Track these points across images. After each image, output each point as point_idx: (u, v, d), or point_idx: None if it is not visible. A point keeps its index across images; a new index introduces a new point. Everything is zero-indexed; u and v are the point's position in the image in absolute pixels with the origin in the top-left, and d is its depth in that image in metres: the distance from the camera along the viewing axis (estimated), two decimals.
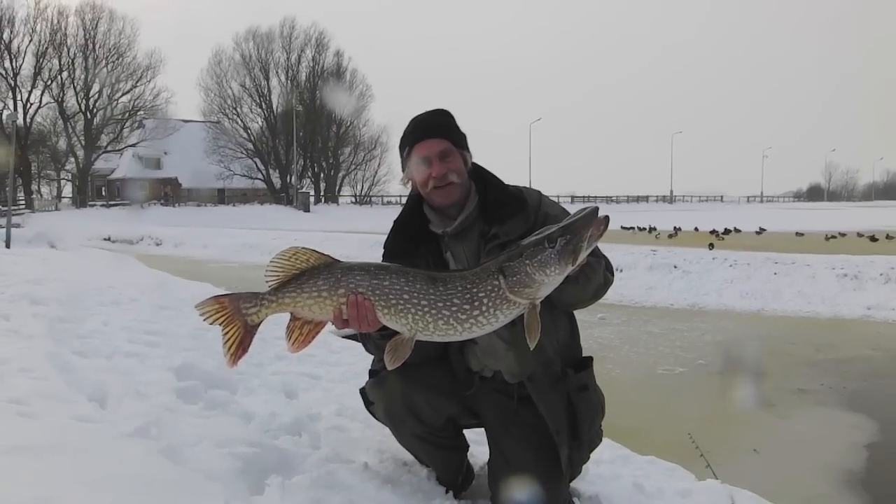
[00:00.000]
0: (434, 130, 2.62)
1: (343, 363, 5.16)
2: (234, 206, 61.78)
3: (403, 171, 2.72)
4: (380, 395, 2.78)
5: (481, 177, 2.72)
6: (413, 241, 2.69)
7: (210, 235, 32.10)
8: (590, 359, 2.84)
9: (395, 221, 2.78)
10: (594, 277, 2.49)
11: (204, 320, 2.34)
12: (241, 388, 3.97)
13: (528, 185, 2.82)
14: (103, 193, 70.27)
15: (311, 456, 2.91)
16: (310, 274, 2.31)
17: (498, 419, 2.75)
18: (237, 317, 2.33)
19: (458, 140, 2.66)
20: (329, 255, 2.34)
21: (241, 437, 2.91)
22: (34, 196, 62.50)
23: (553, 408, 2.64)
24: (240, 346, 2.34)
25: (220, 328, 2.34)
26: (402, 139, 2.68)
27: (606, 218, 2.20)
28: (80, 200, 62.58)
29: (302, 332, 2.35)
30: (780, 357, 10.52)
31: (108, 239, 33.95)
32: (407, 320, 2.29)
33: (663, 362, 9.96)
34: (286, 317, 2.39)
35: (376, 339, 2.49)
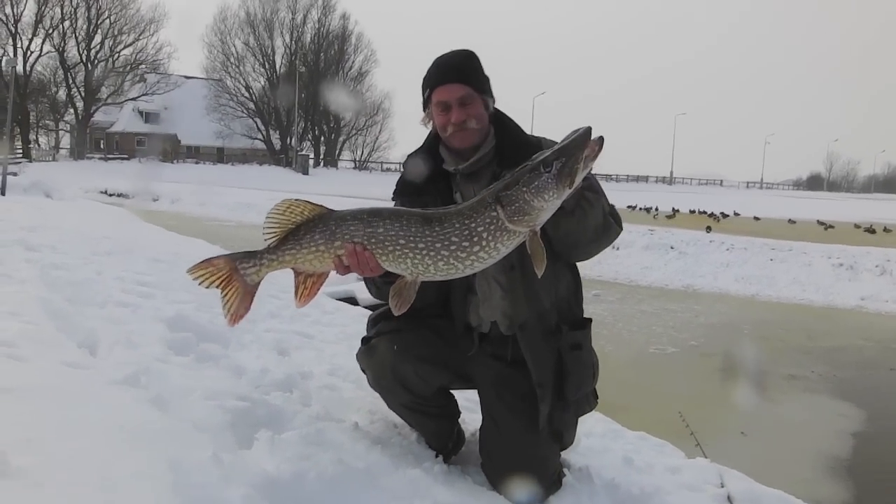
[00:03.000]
0: (456, 74, 2.54)
1: (336, 324, 5.14)
2: (232, 165, 61.45)
3: (424, 111, 2.65)
4: (369, 363, 2.75)
5: (502, 122, 2.66)
6: (424, 178, 2.63)
7: (208, 193, 31.92)
8: (588, 320, 2.77)
9: (408, 156, 2.72)
10: (592, 213, 2.41)
11: (199, 284, 2.26)
12: (234, 342, 3.94)
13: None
14: (101, 146, 69.84)
15: (301, 413, 2.89)
16: (306, 228, 2.26)
17: (492, 386, 2.71)
18: (235, 277, 2.27)
19: (481, 85, 2.59)
20: (323, 206, 2.29)
21: (232, 391, 2.88)
22: (32, 146, 62.06)
23: (540, 359, 2.58)
24: (240, 305, 2.28)
25: (219, 291, 2.28)
26: (424, 80, 2.61)
27: (601, 138, 2.12)
28: (78, 152, 62.27)
29: (306, 285, 2.31)
30: (773, 342, 10.55)
31: (105, 192, 33.78)
32: (406, 265, 2.24)
33: (656, 341, 9.99)
34: (282, 274, 2.35)
35: (380, 284, 2.45)
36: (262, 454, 2.36)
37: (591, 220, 2.43)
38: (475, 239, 2.19)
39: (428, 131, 2.72)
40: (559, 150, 2.12)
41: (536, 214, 2.14)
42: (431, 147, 2.68)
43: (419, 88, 2.64)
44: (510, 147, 2.58)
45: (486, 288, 2.64)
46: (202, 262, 2.27)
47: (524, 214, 2.14)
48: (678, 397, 7.10)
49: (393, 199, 2.73)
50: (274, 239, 2.28)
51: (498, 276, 2.58)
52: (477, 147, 2.59)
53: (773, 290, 14.94)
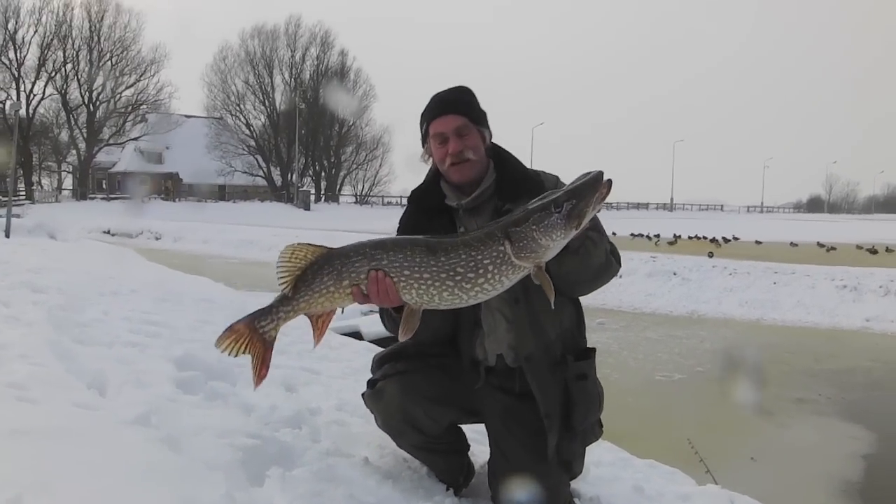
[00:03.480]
0: (452, 107, 2.60)
1: (342, 359, 5.15)
2: (234, 202, 61.74)
3: (423, 146, 2.71)
4: (377, 407, 2.77)
5: (500, 157, 2.70)
6: (427, 214, 2.68)
7: (210, 231, 32.08)
8: (592, 350, 2.79)
9: (412, 193, 2.77)
10: (595, 252, 2.45)
11: (229, 355, 2.31)
12: (242, 380, 3.94)
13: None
14: (104, 186, 70.19)
15: (311, 449, 2.89)
16: (313, 272, 2.30)
17: (500, 419, 2.72)
18: (255, 337, 2.32)
19: (477, 117, 2.64)
20: (323, 246, 2.34)
21: (242, 429, 2.89)
22: (35, 187, 62.38)
23: (547, 391, 2.60)
24: (262, 364, 2.33)
25: (249, 357, 2.33)
26: (422, 115, 2.67)
27: (609, 182, 2.18)
28: (81, 193, 62.56)
29: (317, 326, 2.35)
30: (779, 366, 10.53)
31: (108, 232, 33.90)
32: (411, 295, 2.27)
33: (662, 368, 9.97)
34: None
35: (394, 315, 2.46)
36: (274, 491, 2.37)
37: (595, 260, 2.46)
38: (480, 271, 2.22)
39: (427, 168, 2.77)
40: (570, 192, 2.16)
41: (543, 252, 2.19)
42: (432, 184, 2.72)
43: (417, 121, 2.69)
44: (510, 181, 2.62)
45: (492, 321, 2.66)
46: (225, 331, 2.31)
47: (531, 252, 2.18)
48: (686, 424, 7.08)
49: None
50: (287, 284, 2.32)
51: (503, 309, 2.61)
52: (476, 181, 2.63)
53: (778, 314, 14.92)
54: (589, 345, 2.81)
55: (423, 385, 2.67)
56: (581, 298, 2.80)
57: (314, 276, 2.30)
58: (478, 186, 2.64)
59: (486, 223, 2.45)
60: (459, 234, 2.40)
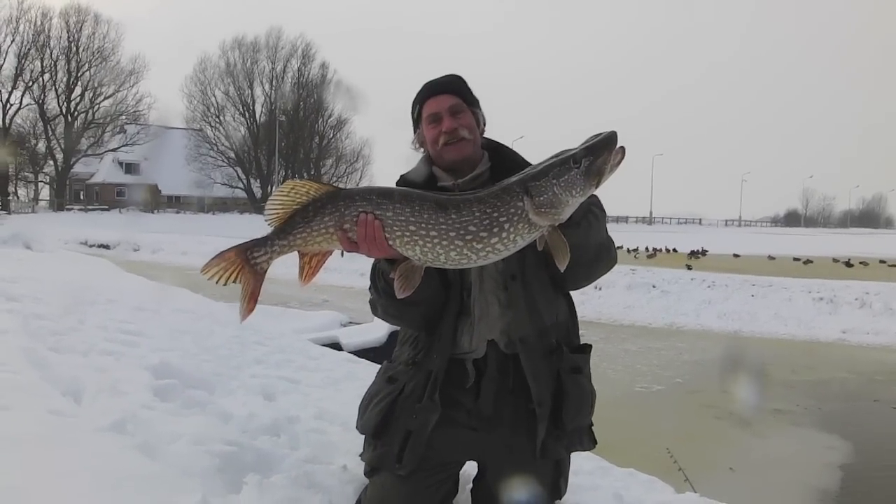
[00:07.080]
0: (446, 87, 2.55)
1: (322, 369, 5.12)
2: (213, 214, 61.38)
3: (415, 132, 2.62)
4: None
5: (495, 148, 2.62)
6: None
7: (189, 242, 31.80)
8: (588, 346, 2.68)
9: (401, 177, 2.61)
10: (597, 226, 2.37)
11: (216, 282, 2.21)
12: (219, 388, 3.92)
13: None
14: (81, 197, 69.62)
15: (289, 457, 2.87)
16: (314, 209, 2.18)
17: (496, 467, 2.59)
18: (247, 267, 2.22)
19: (471, 99, 2.58)
20: (328, 184, 2.25)
21: (219, 436, 2.86)
22: (11, 198, 61.74)
23: (541, 377, 2.48)
24: (251, 297, 2.22)
25: (240, 286, 2.22)
26: (414, 100, 2.60)
27: (623, 148, 2.09)
28: (58, 204, 61.99)
29: (311, 265, 2.24)
30: (757, 378, 10.59)
31: (85, 243, 33.50)
32: (414, 251, 2.15)
33: (641, 380, 10.01)
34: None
35: (382, 267, 2.35)
36: (251, 498, 2.35)
37: (595, 236, 2.38)
38: (495, 229, 2.11)
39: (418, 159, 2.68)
40: (588, 149, 2.07)
41: (562, 209, 2.08)
42: (425, 167, 2.61)
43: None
44: (507, 167, 2.45)
45: (484, 305, 2.52)
46: (214, 258, 2.21)
47: (551, 207, 2.07)
48: (666, 434, 7.10)
49: None
50: (275, 221, 2.22)
51: (497, 292, 2.50)
52: (471, 162, 2.54)
53: (756, 326, 15.04)
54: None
55: (414, 499, 2.52)
56: (573, 301, 2.74)
57: (315, 213, 2.18)
58: (472, 169, 2.54)
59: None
60: (470, 192, 2.23)
